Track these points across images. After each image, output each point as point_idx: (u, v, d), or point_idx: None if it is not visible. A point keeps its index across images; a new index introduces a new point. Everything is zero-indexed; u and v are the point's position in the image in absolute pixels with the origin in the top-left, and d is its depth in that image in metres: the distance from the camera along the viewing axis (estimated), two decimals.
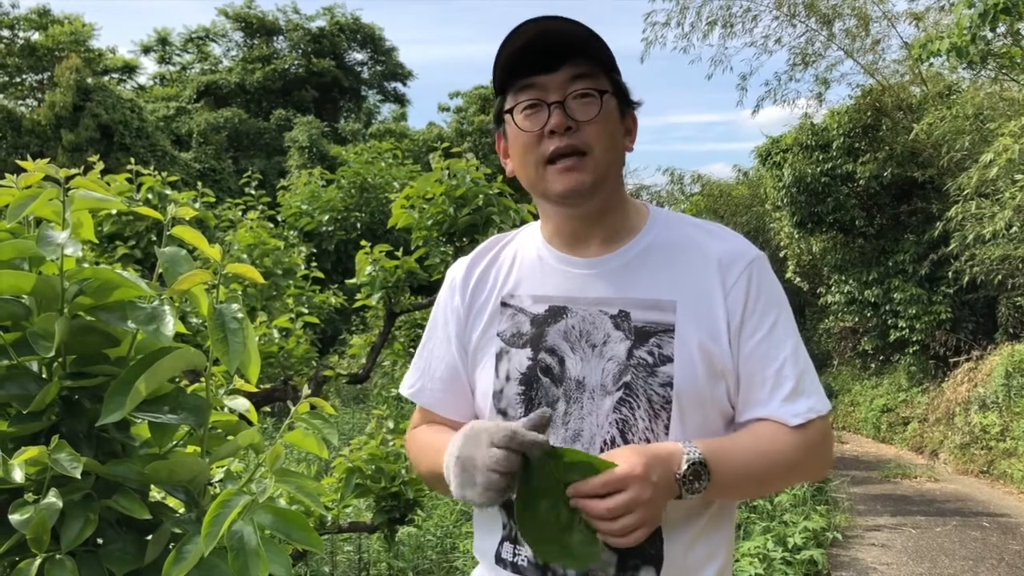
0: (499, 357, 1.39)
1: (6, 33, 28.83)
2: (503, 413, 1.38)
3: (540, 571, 1.33)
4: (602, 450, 1.30)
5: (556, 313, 1.37)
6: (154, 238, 4.26)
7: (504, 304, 1.42)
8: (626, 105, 1.39)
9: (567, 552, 1.19)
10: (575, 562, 1.20)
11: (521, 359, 1.37)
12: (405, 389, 1.54)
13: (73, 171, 1.20)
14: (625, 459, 1.17)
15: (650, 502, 1.16)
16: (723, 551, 1.37)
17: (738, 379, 1.33)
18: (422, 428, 1.52)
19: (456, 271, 1.51)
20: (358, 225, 7.57)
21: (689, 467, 1.20)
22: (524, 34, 1.30)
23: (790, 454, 1.31)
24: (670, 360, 1.30)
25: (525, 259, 1.45)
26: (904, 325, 13.11)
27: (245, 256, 4.79)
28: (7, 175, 1.17)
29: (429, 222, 4.33)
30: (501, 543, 1.38)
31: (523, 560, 1.35)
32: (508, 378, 1.38)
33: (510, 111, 1.35)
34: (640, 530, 1.16)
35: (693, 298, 1.33)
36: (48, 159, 1.22)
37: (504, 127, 1.40)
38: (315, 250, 7.11)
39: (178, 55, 36.44)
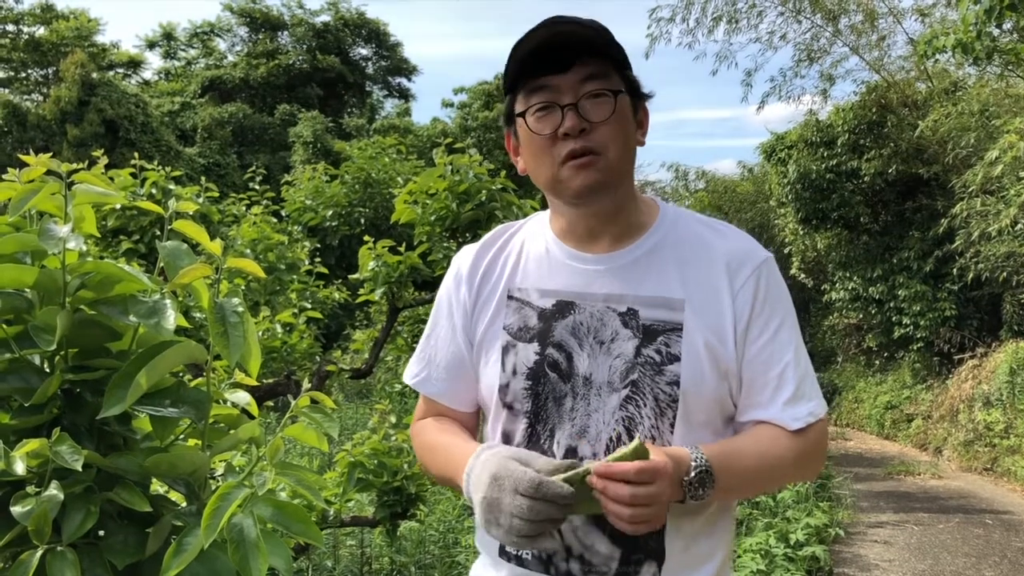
0: (506, 351, 1.39)
1: (11, 28, 28.87)
2: (509, 407, 1.37)
3: (543, 565, 1.33)
4: (607, 447, 1.30)
5: (563, 308, 1.37)
6: (158, 233, 4.27)
7: (510, 297, 1.42)
8: (637, 99, 1.38)
9: None
10: None
11: (528, 353, 1.37)
12: (409, 378, 1.53)
13: (76, 166, 1.21)
14: (654, 453, 1.17)
15: (666, 501, 1.18)
16: (723, 546, 1.37)
17: (741, 380, 1.34)
18: (428, 424, 1.51)
19: (462, 261, 1.50)
20: (362, 220, 7.57)
21: (696, 474, 1.21)
22: (536, 36, 1.29)
23: (789, 458, 1.32)
24: (677, 359, 1.30)
25: (532, 251, 1.44)
26: (908, 322, 13.09)
27: (249, 251, 4.80)
28: (10, 170, 1.17)
29: (432, 217, 4.33)
30: None
31: (527, 553, 1.35)
32: (515, 372, 1.37)
33: (522, 114, 1.34)
34: (644, 525, 1.16)
35: (701, 298, 1.33)
36: (53, 154, 1.22)
37: (514, 127, 1.39)
38: (319, 245, 7.12)
39: (183, 50, 36.48)
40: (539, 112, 1.31)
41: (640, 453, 1.16)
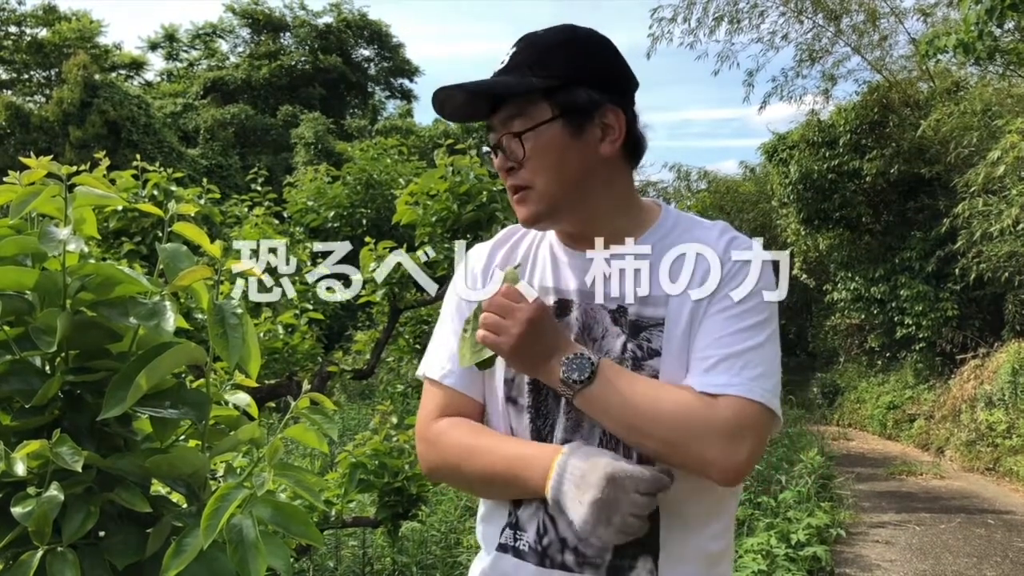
0: None
1: (13, 30, 28.93)
2: (513, 401, 1.40)
3: (539, 557, 1.35)
4: (601, 441, 1.32)
5: (563, 306, 1.40)
6: (160, 234, 4.28)
7: None
8: (584, 116, 1.35)
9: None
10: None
11: None
12: (436, 374, 1.48)
13: (77, 168, 1.21)
14: (540, 303, 1.33)
15: (515, 334, 1.29)
16: (723, 541, 1.38)
17: None
18: (457, 425, 1.45)
19: (476, 260, 1.51)
20: (363, 221, 7.57)
21: (577, 356, 1.28)
22: (458, 94, 1.37)
23: (686, 409, 1.25)
24: (657, 354, 1.32)
25: (539, 251, 1.48)
26: (911, 322, 13.09)
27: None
28: (11, 172, 1.18)
29: (433, 219, 4.34)
30: (503, 530, 1.40)
31: (524, 545, 1.37)
32: None
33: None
34: (490, 335, 1.31)
35: (689, 293, 1.34)
36: (55, 155, 1.23)
37: None
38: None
39: (185, 51, 36.53)
40: (489, 152, 1.44)
41: (511, 277, 1.38)
